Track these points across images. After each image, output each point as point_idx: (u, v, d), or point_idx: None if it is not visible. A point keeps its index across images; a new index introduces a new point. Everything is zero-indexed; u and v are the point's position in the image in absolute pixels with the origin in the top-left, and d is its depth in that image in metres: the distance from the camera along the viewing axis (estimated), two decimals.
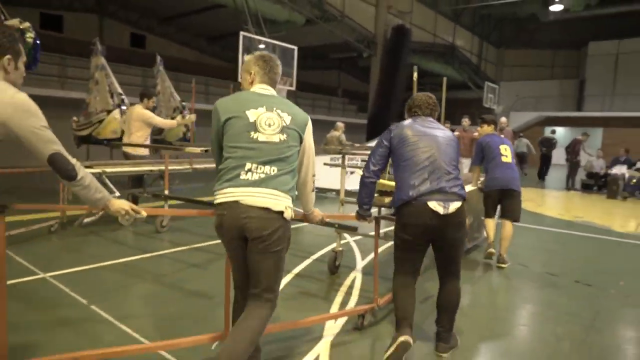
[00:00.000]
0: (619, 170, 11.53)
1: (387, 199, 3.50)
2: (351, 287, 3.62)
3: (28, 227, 4.74)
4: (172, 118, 8.48)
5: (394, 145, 2.60)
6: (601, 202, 9.99)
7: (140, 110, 5.63)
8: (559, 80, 28.41)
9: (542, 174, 14.04)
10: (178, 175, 7.01)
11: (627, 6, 23.12)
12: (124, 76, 13.76)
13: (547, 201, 9.82)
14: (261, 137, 2.01)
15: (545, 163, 13.94)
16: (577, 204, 9.55)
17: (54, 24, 16.10)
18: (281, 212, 1.99)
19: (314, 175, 2.30)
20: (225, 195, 1.99)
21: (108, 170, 4.98)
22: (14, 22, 6.18)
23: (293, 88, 10.39)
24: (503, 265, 4.41)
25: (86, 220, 5.15)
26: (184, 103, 8.74)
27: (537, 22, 27.61)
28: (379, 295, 2.99)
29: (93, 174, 3.95)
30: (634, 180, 11.00)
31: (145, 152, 5.81)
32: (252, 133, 2.01)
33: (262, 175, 1.98)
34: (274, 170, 2.00)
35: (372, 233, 3.21)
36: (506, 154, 4.55)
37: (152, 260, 4.18)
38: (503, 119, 8.41)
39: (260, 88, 2.16)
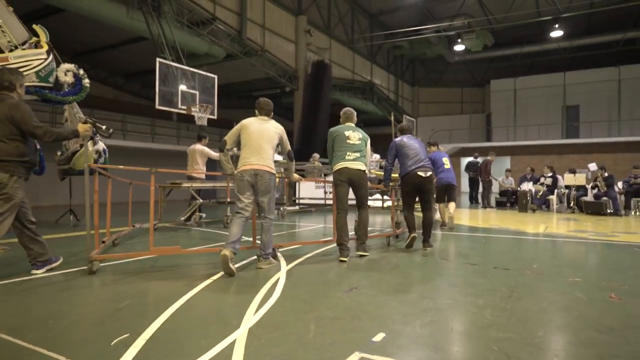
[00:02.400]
0: (527, 186, 12.50)
1: (392, 183, 5.95)
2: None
3: None
4: (81, 145, 7.94)
5: (398, 149, 5.39)
6: (514, 215, 10.66)
7: (200, 147, 8.06)
8: (468, 114, 30.90)
9: (472, 197, 14.72)
10: None
11: (518, 48, 26.11)
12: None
13: (466, 216, 10.29)
14: (351, 142, 4.74)
15: (473, 186, 14.67)
16: (493, 217, 10.10)
17: None
18: (364, 170, 4.73)
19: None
20: (341, 165, 4.67)
21: (195, 185, 7.68)
22: (71, 67, 6.07)
23: (214, 116, 10.18)
24: (452, 227, 7.38)
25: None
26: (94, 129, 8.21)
27: (444, 63, 30.17)
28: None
29: (186, 186, 7.48)
30: (540, 194, 11.97)
31: (203, 175, 8.12)
32: (348, 140, 4.74)
33: (355, 157, 4.69)
34: (358, 155, 4.72)
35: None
36: (446, 163, 7.58)
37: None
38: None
39: (348, 123, 4.92)
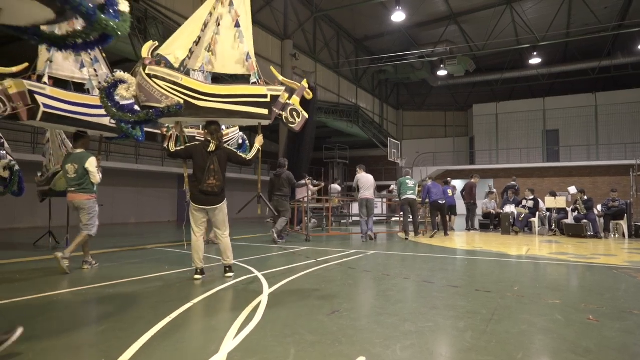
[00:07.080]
0: (509, 209, 12.66)
1: (426, 203, 11.69)
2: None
3: None
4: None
5: (429, 189, 10.96)
6: (497, 237, 10.77)
7: (309, 185, 11.94)
8: (452, 138, 31.41)
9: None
10: None
11: (498, 74, 26.86)
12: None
13: (450, 239, 10.35)
14: (409, 185, 10.33)
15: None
16: (477, 239, 10.19)
17: None
18: (415, 199, 10.45)
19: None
20: (405, 196, 10.21)
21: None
22: (241, 134, 8.93)
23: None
24: (449, 234, 11.26)
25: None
26: None
27: (428, 87, 30.81)
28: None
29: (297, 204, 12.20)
30: (522, 217, 12.13)
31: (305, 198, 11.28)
32: (407, 185, 10.31)
33: (411, 192, 10.26)
34: (413, 191, 10.32)
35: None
36: (450, 193, 12.17)
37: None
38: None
39: (406, 176, 10.62)
